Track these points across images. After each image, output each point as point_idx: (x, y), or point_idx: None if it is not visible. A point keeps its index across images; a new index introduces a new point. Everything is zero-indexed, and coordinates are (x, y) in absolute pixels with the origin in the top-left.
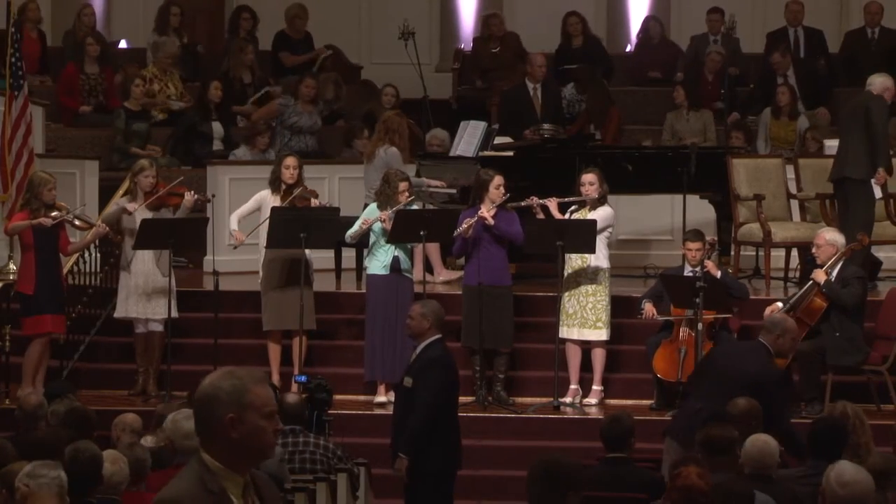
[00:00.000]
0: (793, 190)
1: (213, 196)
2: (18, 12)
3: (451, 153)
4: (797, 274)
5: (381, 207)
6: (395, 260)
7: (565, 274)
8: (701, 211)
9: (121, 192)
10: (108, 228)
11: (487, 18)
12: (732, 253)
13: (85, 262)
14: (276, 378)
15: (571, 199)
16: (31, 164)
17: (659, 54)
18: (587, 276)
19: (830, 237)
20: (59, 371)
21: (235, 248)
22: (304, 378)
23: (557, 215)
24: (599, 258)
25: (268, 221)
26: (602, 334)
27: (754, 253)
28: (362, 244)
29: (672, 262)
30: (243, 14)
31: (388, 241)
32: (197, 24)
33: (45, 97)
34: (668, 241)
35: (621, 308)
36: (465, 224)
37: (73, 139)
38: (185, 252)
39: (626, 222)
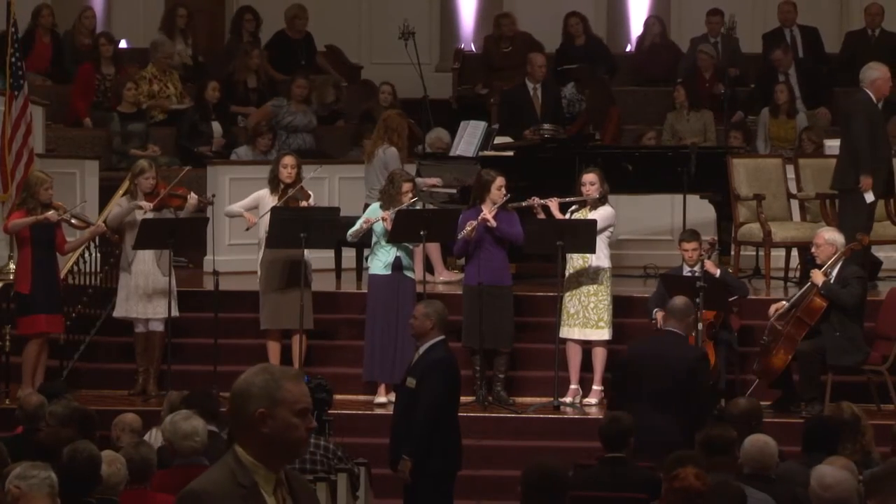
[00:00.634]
0: (793, 190)
1: (214, 196)
2: (32, 17)
3: (451, 153)
4: (797, 274)
5: (384, 207)
6: (398, 259)
7: (566, 274)
8: (701, 211)
9: (120, 192)
10: (105, 227)
11: (499, 18)
12: (732, 253)
13: (85, 262)
14: None
15: (572, 198)
16: (31, 164)
17: (659, 54)
18: (588, 275)
19: (830, 237)
20: (59, 371)
21: (248, 229)
22: (304, 378)
23: (558, 215)
24: (600, 258)
25: (268, 219)
26: (604, 334)
27: (754, 253)
28: (363, 244)
29: (672, 262)
30: (246, 15)
31: (388, 241)
32: (197, 24)
33: (46, 97)
34: (668, 241)
35: (622, 308)
36: (469, 227)
37: (74, 139)
38: (185, 252)
39: (626, 222)
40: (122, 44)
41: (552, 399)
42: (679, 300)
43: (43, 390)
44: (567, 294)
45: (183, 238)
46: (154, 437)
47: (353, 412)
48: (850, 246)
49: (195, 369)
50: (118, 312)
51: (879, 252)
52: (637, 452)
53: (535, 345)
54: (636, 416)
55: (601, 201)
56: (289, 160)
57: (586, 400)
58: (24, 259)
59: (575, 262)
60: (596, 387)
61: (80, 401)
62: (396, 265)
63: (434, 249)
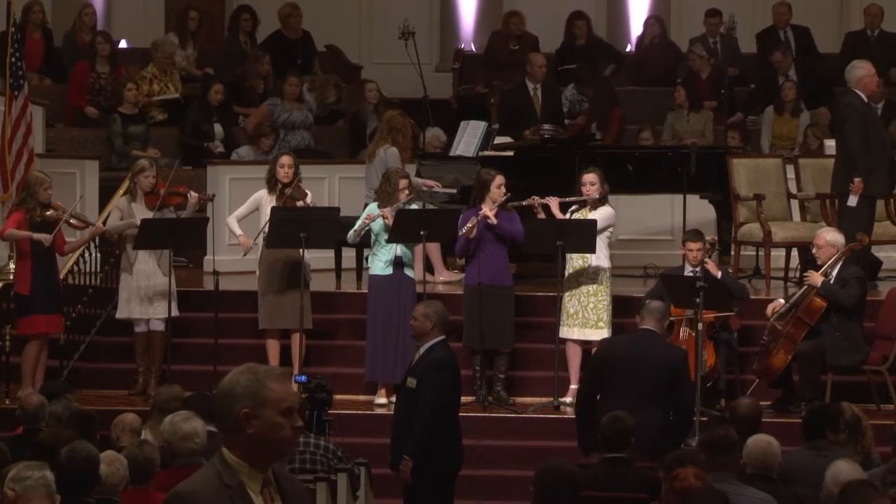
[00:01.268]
0: (793, 190)
1: (214, 196)
2: (23, 14)
3: (451, 153)
4: (797, 274)
5: (381, 206)
6: (398, 257)
7: (566, 274)
8: (701, 211)
9: (121, 191)
10: (105, 228)
11: (509, 17)
12: (732, 253)
13: (85, 262)
14: None
15: (572, 198)
16: (31, 164)
17: (659, 54)
18: (588, 275)
19: (831, 238)
20: (59, 371)
21: (245, 254)
22: (304, 378)
23: (558, 215)
24: (600, 258)
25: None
26: (604, 334)
27: (754, 253)
28: (363, 244)
29: (672, 262)
30: (243, 14)
31: (388, 241)
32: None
33: (45, 97)
34: (668, 241)
35: (622, 308)
36: (469, 224)
37: (73, 139)
38: (185, 252)
39: (626, 222)
40: (122, 44)
41: (552, 399)
42: (657, 302)
43: (44, 390)
44: (567, 294)
45: (183, 238)
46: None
47: (353, 412)
48: (850, 246)
49: (195, 369)
50: (120, 314)
51: (879, 252)
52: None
53: (535, 345)
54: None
55: (601, 201)
56: (286, 159)
57: None
58: (24, 260)
59: (575, 262)
60: None
61: (80, 401)
62: (397, 263)
63: (434, 249)
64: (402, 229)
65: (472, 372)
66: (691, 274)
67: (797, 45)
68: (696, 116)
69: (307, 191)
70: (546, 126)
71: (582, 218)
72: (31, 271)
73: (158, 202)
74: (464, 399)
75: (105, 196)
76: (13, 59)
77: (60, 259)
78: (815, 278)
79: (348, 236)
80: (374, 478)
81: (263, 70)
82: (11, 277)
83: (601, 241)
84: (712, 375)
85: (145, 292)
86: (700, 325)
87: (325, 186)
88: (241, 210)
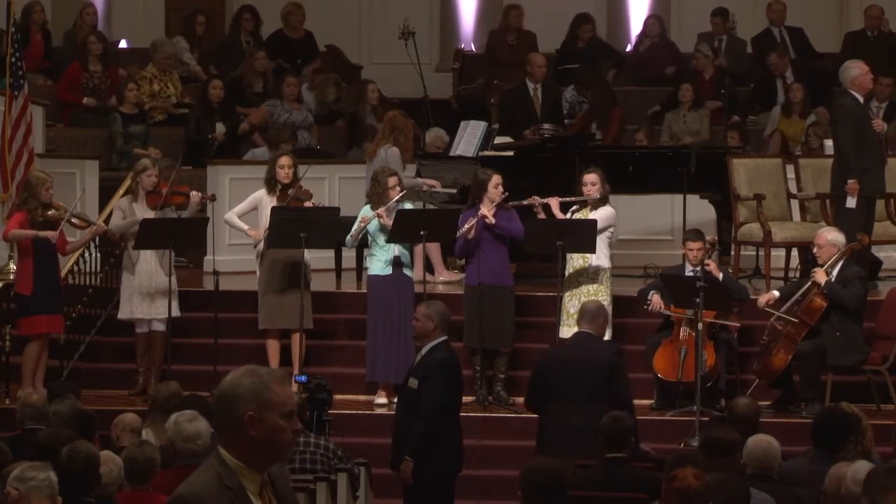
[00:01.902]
0: (793, 190)
1: (215, 196)
2: (23, 14)
3: (451, 153)
4: (797, 274)
5: (374, 207)
6: (397, 257)
7: (566, 274)
8: (701, 211)
9: (121, 191)
10: (106, 227)
11: (508, 10)
12: (732, 253)
13: (85, 262)
14: None
15: (573, 198)
16: (31, 163)
17: (658, 54)
18: (588, 275)
19: (832, 237)
20: (59, 371)
21: (256, 245)
22: (304, 378)
23: (559, 215)
24: (600, 258)
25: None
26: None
27: (754, 253)
28: (363, 244)
29: (672, 262)
30: (245, 14)
31: (388, 241)
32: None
33: (45, 97)
34: (668, 241)
35: (622, 308)
36: (467, 225)
37: (73, 139)
38: (185, 252)
39: (626, 222)
40: (123, 44)
41: None
42: (591, 303)
43: (51, 389)
44: (567, 294)
45: (183, 238)
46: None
47: (353, 412)
48: (851, 245)
49: (195, 369)
50: (123, 314)
51: (879, 252)
52: (556, 453)
53: (535, 345)
54: (555, 417)
55: (602, 201)
56: (285, 160)
57: None
58: (26, 260)
59: (575, 262)
60: None
61: (80, 401)
62: (396, 263)
63: (434, 249)
64: (401, 229)
65: (472, 372)
66: (691, 274)
67: (793, 45)
68: (694, 116)
69: (311, 191)
70: (546, 126)
71: (582, 218)
72: (33, 271)
73: (161, 202)
74: (464, 399)
75: (105, 196)
76: (13, 59)
77: (61, 259)
78: (821, 276)
79: (346, 241)
80: (374, 478)
81: (260, 66)
82: (11, 277)
83: (601, 241)
84: (712, 375)
85: (147, 291)
86: (700, 325)
87: (325, 186)
88: (239, 207)
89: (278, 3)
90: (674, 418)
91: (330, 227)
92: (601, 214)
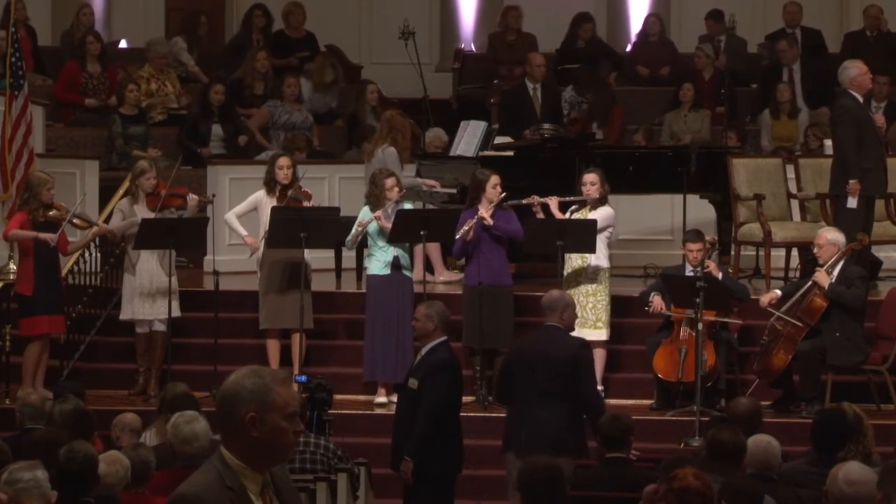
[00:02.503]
0: (793, 190)
1: (214, 196)
2: (3, 11)
3: (451, 153)
4: (797, 274)
5: (372, 209)
6: (396, 258)
7: (565, 274)
8: (701, 211)
9: (121, 192)
10: (107, 227)
11: (507, 11)
12: (732, 253)
13: (85, 262)
14: None
15: (572, 198)
16: (31, 164)
17: (658, 54)
18: (587, 275)
19: (832, 237)
20: (59, 371)
21: (252, 255)
22: (304, 378)
23: (558, 214)
24: (600, 258)
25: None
26: (602, 334)
27: (754, 253)
28: (362, 244)
29: (672, 262)
30: (255, 11)
31: (388, 242)
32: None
33: (45, 97)
34: (668, 241)
35: (621, 308)
36: (466, 227)
37: (73, 139)
38: (185, 252)
39: (626, 222)
40: (123, 44)
41: None
42: (548, 295)
43: (55, 390)
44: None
45: (183, 238)
46: (149, 439)
47: (353, 412)
48: (851, 245)
49: (195, 369)
50: (124, 315)
51: (879, 252)
52: (524, 448)
53: None
54: (522, 412)
55: (601, 201)
56: (284, 161)
57: None
58: (27, 260)
59: (574, 261)
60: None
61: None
62: (395, 264)
63: (434, 249)
64: (401, 229)
65: (472, 372)
66: (691, 274)
67: (805, 45)
68: (694, 116)
69: (310, 192)
70: (546, 126)
71: (582, 218)
72: (34, 272)
73: (160, 203)
74: (464, 399)
75: (105, 196)
76: (13, 59)
77: (61, 259)
78: (823, 278)
79: (346, 243)
80: (374, 478)
81: (262, 67)
82: (12, 277)
83: (601, 241)
84: (712, 375)
85: (148, 291)
86: (700, 325)
87: (325, 186)
88: (239, 208)
89: (278, 3)
90: (674, 418)
91: (330, 228)
92: (600, 214)
